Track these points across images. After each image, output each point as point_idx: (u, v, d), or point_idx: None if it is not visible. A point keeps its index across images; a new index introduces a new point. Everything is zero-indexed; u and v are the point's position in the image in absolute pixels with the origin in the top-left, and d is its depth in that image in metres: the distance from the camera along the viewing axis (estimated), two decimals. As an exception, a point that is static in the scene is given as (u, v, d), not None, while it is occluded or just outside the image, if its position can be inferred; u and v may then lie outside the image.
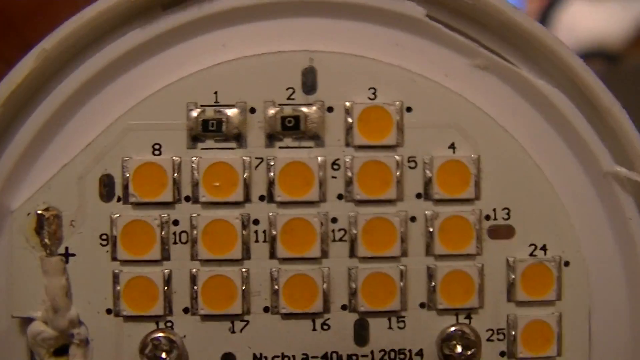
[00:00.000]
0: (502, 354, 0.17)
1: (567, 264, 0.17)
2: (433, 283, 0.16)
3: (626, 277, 0.17)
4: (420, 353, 0.17)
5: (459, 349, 0.17)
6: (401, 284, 0.16)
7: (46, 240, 0.16)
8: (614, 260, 0.17)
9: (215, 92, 0.16)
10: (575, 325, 0.17)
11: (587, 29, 0.61)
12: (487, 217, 0.17)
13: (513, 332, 0.17)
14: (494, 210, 0.17)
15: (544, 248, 0.17)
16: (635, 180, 0.16)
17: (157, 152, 0.16)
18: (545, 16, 0.60)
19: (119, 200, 0.16)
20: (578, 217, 0.17)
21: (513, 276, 0.17)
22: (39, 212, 0.16)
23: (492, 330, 0.17)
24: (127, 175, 0.16)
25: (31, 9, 0.16)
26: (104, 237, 0.16)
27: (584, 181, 0.17)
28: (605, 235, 0.17)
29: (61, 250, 0.16)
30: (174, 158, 0.16)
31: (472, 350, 0.16)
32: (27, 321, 0.16)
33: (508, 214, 0.17)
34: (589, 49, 0.60)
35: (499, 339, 0.17)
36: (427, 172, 0.16)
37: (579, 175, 0.17)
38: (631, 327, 0.17)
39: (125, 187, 0.16)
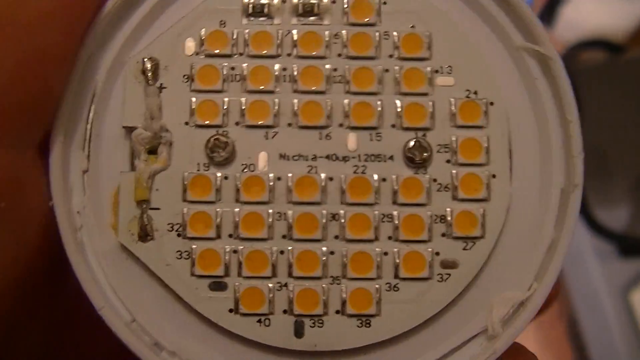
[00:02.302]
0: (447, 161, 0.25)
1: (492, 103, 0.25)
2: (399, 110, 0.25)
3: (535, 118, 0.25)
4: (392, 157, 0.25)
5: (417, 155, 0.25)
6: (379, 109, 0.25)
7: (149, 77, 0.25)
8: (526, 106, 0.25)
9: None
10: (499, 144, 0.24)
11: (590, 22, 0.62)
12: (437, 71, 0.25)
13: (455, 146, 0.25)
14: (441, 67, 0.25)
15: (475, 92, 0.25)
16: (538, 50, 0.25)
17: (222, 25, 0.25)
18: (549, 8, 0.61)
19: (197, 54, 0.25)
20: (500, 75, 0.25)
21: (454, 109, 0.25)
22: (145, 59, 0.25)
23: (440, 144, 0.25)
24: (203, 38, 0.25)
25: None
26: (186, 76, 0.25)
27: (503, 53, 0.25)
28: (519, 88, 0.25)
29: (157, 85, 0.25)
30: (233, 29, 0.25)
31: (426, 154, 0.25)
32: (131, 130, 0.24)
33: (451, 69, 0.25)
34: (593, 38, 0.61)
35: (445, 151, 0.25)
36: (396, 41, 0.25)
37: (500, 49, 0.25)
38: (541, 152, 0.25)
39: (201, 45, 0.25)
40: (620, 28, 0.64)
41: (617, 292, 0.53)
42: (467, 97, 0.25)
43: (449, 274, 0.24)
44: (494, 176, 0.24)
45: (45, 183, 0.24)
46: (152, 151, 0.25)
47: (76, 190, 0.24)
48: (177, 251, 0.24)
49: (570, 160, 0.24)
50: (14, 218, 0.22)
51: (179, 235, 0.24)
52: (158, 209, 0.24)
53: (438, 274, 0.24)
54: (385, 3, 0.25)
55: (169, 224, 0.24)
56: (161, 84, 0.25)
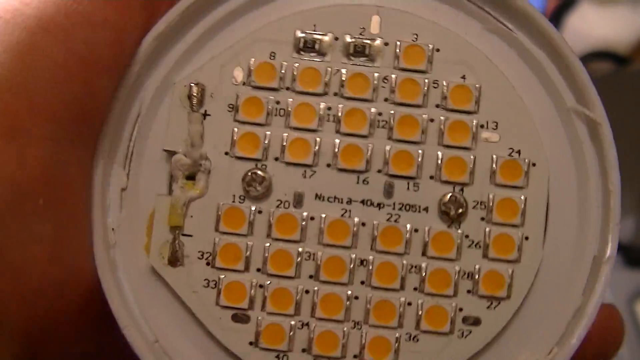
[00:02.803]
0: (482, 219, 0.25)
1: (534, 164, 0.25)
2: (440, 162, 0.25)
3: (577, 183, 0.25)
4: (426, 209, 0.25)
5: (452, 209, 0.25)
6: (419, 160, 0.25)
7: (194, 103, 0.25)
8: (570, 170, 0.25)
9: (314, 25, 0.25)
10: (536, 206, 0.24)
11: (596, 32, 0.62)
12: (482, 126, 0.25)
13: (491, 204, 0.24)
14: (487, 122, 0.25)
15: (518, 152, 0.25)
16: (588, 115, 0.25)
17: (272, 57, 0.25)
18: (555, 19, 0.61)
19: (244, 83, 0.25)
20: (546, 135, 0.25)
21: (495, 166, 0.25)
22: (192, 84, 0.25)
23: (477, 201, 0.25)
24: (252, 68, 0.25)
25: None
26: (231, 105, 0.25)
27: (553, 113, 0.25)
28: (565, 151, 0.25)
29: (202, 111, 0.25)
30: (282, 62, 0.25)
31: (461, 210, 0.24)
32: (171, 154, 0.25)
33: (497, 125, 0.25)
34: (598, 50, 0.61)
35: (481, 208, 0.25)
36: (445, 91, 0.25)
37: (550, 109, 0.25)
38: (578, 219, 0.25)
39: (249, 75, 0.25)
40: (625, 39, 0.63)
41: (622, 303, 0.53)
42: (510, 155, 0.24)
43: (470, 331, 0.24)
44: (527, 238, 0.24)
45: (87, 186, 0.24)
46: (191, 177, 0.25)
47: (113, 207, 0.25)
48: (205, 279, 0.24)
49: (606, 230, 0.24)
50: (54, 215, 0.23)
51: (208, 264, 0.24)
52: (190, 235, 0.24)
53: (459, 330, 0.24)
54: (438, 50, 0.25)
55: (199, 251, 0.24)
56: (205, 111, 0.25)
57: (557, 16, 0.61)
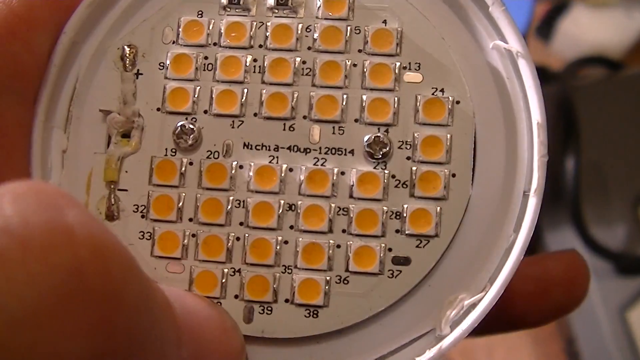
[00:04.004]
0: (408, 158, 0.25)
1: (458, 102, 0.25)
2: (364, 105, 0.25)
3: (504, 119, 0.25)
4: (352, 152, 0.25)
5: (377, 150, 0.25)
6: (343, 104, 0.25)
7: (126, 63, 0.26)
8: (496, 107, 0.25)
9: None
10: (461, 144, 0.24)
11: (589, 36, 0.61)
12: (405, 68, 0.25)
13: (416, 143, 0.25)
14: (409, 63, 0.25)
15: (442, 90, 0.25)
16: (509, 49, 0.25)
17: (200, 15, 0.26)
18: (547, 23, 0.61)
19: (173, 42, 0.26)
20: (470, 73, 0.25)
21: (418, 106, 0.25)
22: (124, 46, 0.26)
23: (402, 141, 0.25)
24: (180, 27, 0.26)
25: None
26: (162, 64, 0.26)
27: (476, 52, 0.25)
28: (490, 88, 0.25)
29: (134, 71, 0.26)
30: (209, 19, 0.26)
31: (386, 150, 0.25)
32: (107, 113, 0.25)
33: (419, 66, 0.25)
34: (591, 55, 0.60)
35: (406, 148, 0.25)
36: (366, 36, 0.25)
37: (473, 48, 0.25)
38: (506, 155, 0.25)
39: (178, 34, 0.26)
40: (618, 43, 0.62)
41: (614, 311, 0.52)
42: (433, 94, 0.24)
43: (400, 271, 0.24)
44: (453, 175, 0.24)
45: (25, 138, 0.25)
46: (126, 135, 0.25)
47: (55, 168, 0.26)
48: (140, 231, 0.25)
49: (534, 164, 0.24)
50: None
51: (142, 216, 0.25)
52: (126, 190, 0.25)
53: (389, 270, 0.24)
54: None
55: (134, 205, 0.25)
56: (138, 70, 0.26)
57: (549, 21, 0.61)
